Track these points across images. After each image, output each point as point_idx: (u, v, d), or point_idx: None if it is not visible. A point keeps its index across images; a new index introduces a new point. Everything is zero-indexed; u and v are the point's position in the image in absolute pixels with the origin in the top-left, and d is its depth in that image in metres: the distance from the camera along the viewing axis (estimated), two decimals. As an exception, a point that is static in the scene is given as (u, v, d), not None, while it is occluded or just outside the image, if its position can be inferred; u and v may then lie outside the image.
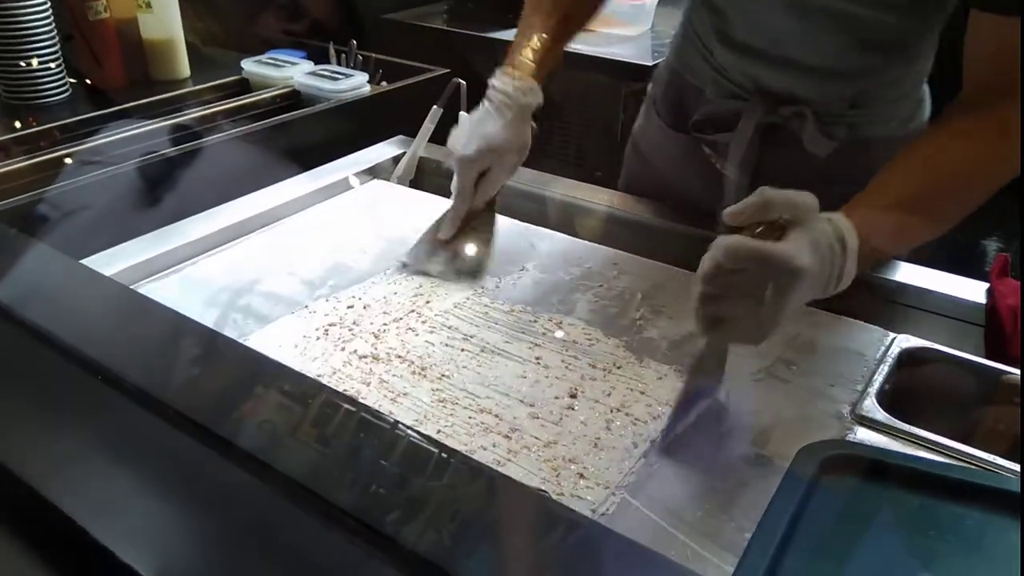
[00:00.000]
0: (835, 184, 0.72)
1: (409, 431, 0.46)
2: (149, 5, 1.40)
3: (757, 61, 0.93)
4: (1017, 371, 0.76)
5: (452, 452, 0.43)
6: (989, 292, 0.85)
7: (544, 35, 0.94)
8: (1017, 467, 0.66)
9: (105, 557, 0.34)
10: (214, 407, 0.43)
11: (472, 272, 0.93)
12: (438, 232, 0.95)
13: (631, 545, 0.40)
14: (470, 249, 0.95)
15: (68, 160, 1.14)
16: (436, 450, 0.43)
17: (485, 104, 0.92)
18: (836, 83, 0.92)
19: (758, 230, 0.64)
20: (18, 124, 1.27)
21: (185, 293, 0.89)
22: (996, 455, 0.67)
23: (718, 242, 0.63)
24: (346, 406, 0.47)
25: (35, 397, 0.46)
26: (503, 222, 1.05)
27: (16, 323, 0.49)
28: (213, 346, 0.52)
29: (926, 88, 0.98)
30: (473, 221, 0.96)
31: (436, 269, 0.93)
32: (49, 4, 1.32)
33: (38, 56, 1.32)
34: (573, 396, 0.75)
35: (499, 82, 0.91)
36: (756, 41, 0.92)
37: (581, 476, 0.66)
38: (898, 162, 0.75)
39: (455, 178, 0.92)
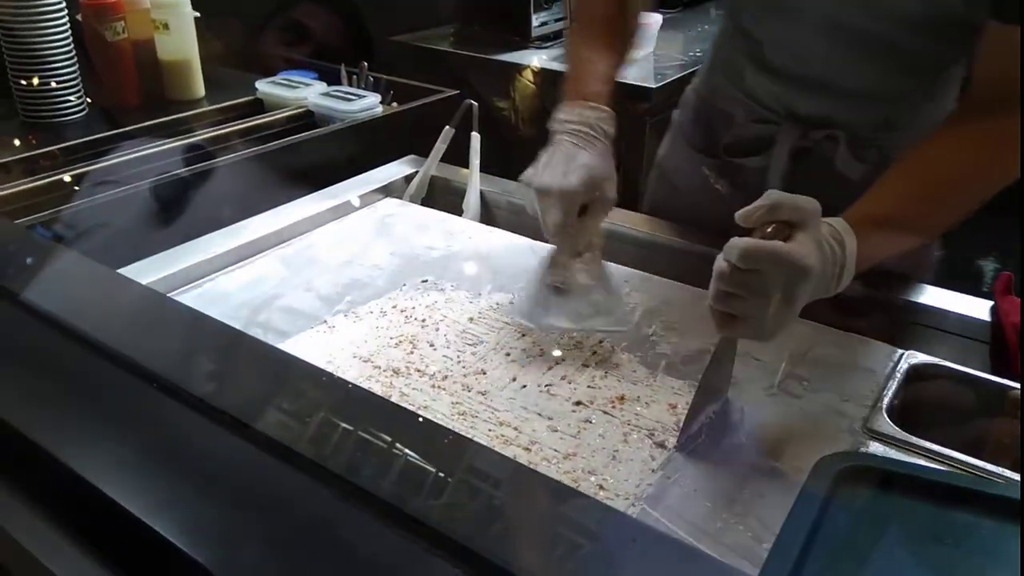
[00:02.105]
0: None
1: (461, 436, 0.47)
2: (167, 26, 1.43)
3: (790, 85, 0.95)
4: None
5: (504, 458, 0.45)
6: (993, 310, 0.87)
7: (602, 64, 0.91)
8: (1025, 480, 0.68)
9: (167, 551, 0.35)
10: (268, 412, 0.45)
11: (605, 313, 0.85)
12: (548, 279, 0.85)
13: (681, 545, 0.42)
14: (592, 291, 0.85)
15: (70, 180, 1.16)
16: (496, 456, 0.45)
17: (566, 139, 0.84)
18: (869, 107, 0.93)
19: (768, 230, 0.67)
20: (35, 142, 1.29)
21: (204, 309, 0.91)
22: (1003, 467, 0.69)
23: (732, 243, 0.66)
24: (398, 410, 0.49)
25: (96, 405, 0.48)
26: (514, 240, 1.07)
27: (71, 335, 0.51)
28: (261, 354, 0.54)
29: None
30: (578, 261, 0.86)
31: (562, 322, 0.84)
32: (68, 24, 1.34)
33: (56, 75, 1.34)
34: (590, 409, 0.76)
35: (575, 114, 0.85)
36: (790, 65, 0.94)
37: (601, 488, 0.67)
38: (897, 168, 0.79)
39: (554, 215, 0.81)
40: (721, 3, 1.05)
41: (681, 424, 0.73)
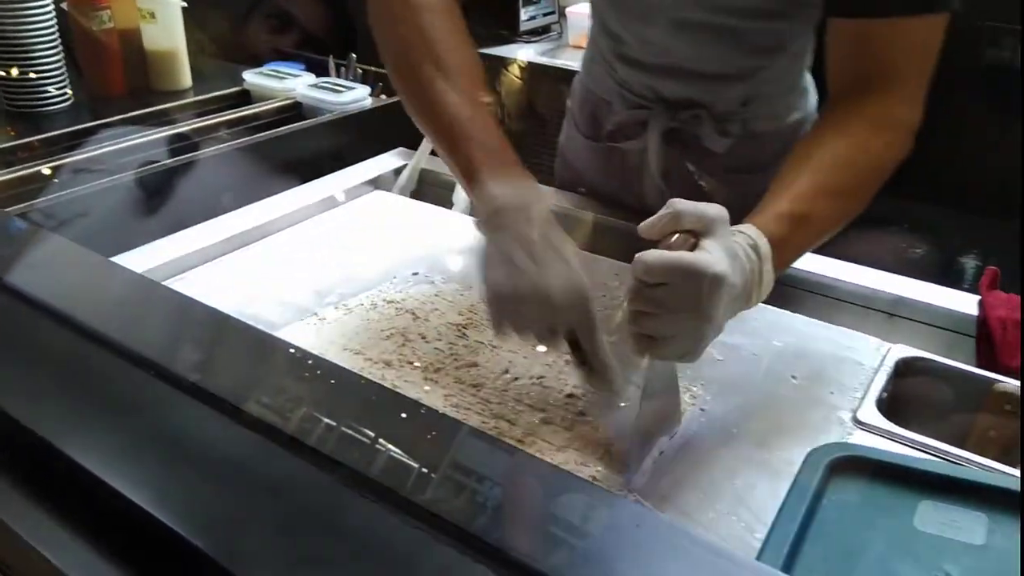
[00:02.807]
0: (736, 173, 0.84)
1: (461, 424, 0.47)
2: (153, 16, 1.41)
3: (654, 74, 1.02)
4: (1008, 380, 0.78)
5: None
6: (980, 304, 0.88)
7: (486, 112, 0.79)
8: (1010, 469, 0.69)
9: (167, 538, 0.35)
10: (269, 400, 0.45)
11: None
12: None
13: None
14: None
15: (53, 170, 1.15)
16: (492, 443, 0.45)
17: (522, 234, 0.68)
18: (726, 86, 1.00)
19: (673, 239, 0.64)
20: (18, 132, 1.27)
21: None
22: (989, 458, 0.70)
23: (637, 258, 0.62)
24: (399, 400, 0.49)
25: (93, 393, 0.47)
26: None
27: (71, 326, 0.50)
28: (259, 340, 0.54)
29: (809, 78, 1.06)
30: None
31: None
32: (53, 13, 1.33)
33: (40, 65, 1.32)
34: (583, 401, 0.77)
35: (508, 200, 0.69)
36: (650, 57, 1.01)
37: (594, 479, 0.67)
38: (789, 163, 0.79)
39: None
40: (591, 6, 1.11)
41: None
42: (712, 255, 0.62)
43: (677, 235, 0.64)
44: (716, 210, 0.65)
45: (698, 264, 0.61)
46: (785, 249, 0.71)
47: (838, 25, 0.84)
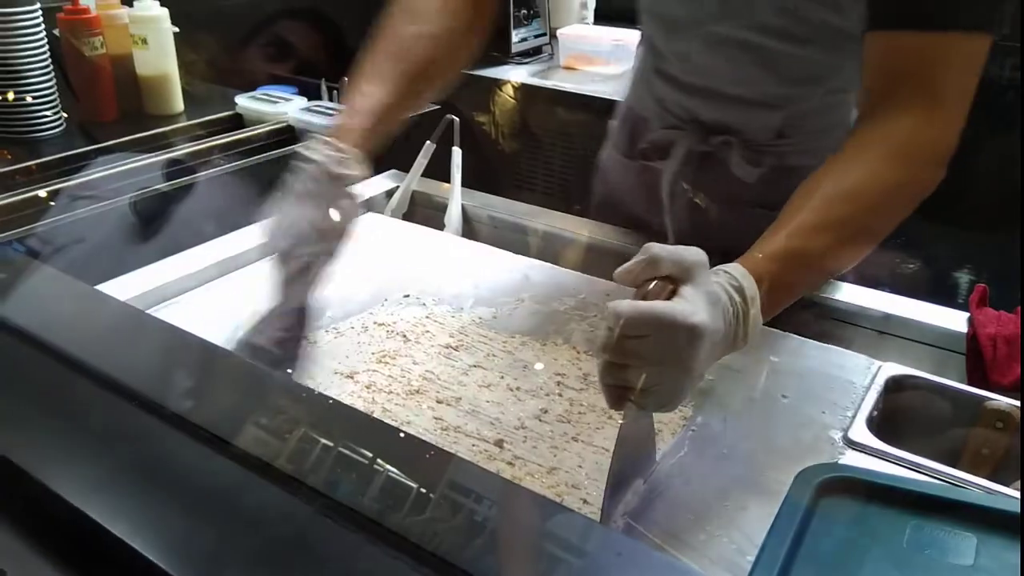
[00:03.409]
0: (766, 209, 0.74)
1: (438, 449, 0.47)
2: (145, 41, 1.42)
3: (688, 93, 1.01)
4: (999, 397, 0.78)
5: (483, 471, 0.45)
6: (969, 321, 0.88)
7: (384, 88, 0.83)
8: (1002, 488, 0.69)
9: (148, 571, 0.35)
10: (249, 429, 0.45)
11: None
12: (259, 334, 0.78)
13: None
14: (283, 353, 0.78)
15: (46, 195, 1.15)
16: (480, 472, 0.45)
17: (300, 181, 0.77)
18: (760, 113, 0.98)
19: (651, 287, 0.61)
20: (11, 158, 1.28)
21: (183, 325, 0.89)
22: (981, 477, 0.70)
23: (610, 308, 0.59)
24: (381, 426, 0.49)
25: (70, 421, 0.47)
26: (496, 254, 1.08)
27: (48, 351, 0.50)
28: (242, 370, 0.54)
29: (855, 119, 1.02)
30: (285, 323, 0.78)
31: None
32: (45, 39, 1.33)
33: (33, 90, 1.33)
34: (574, 424, 0.76)
35: (315, 153, 0.77)
36: (687, 76, 1.00)
37: (584, 502, 0.67)
38: (796, 194, 0.74)
39: (270, 273, 0.76)
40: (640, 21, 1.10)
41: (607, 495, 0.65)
42: (690, 304, 0.59)
43: (655, 282, 0.61)
44: (694, 254, 0.62)
45: (675, 315, 0.58)
46: (777, 290, 0.67)
47: (874, 40, 0.78)
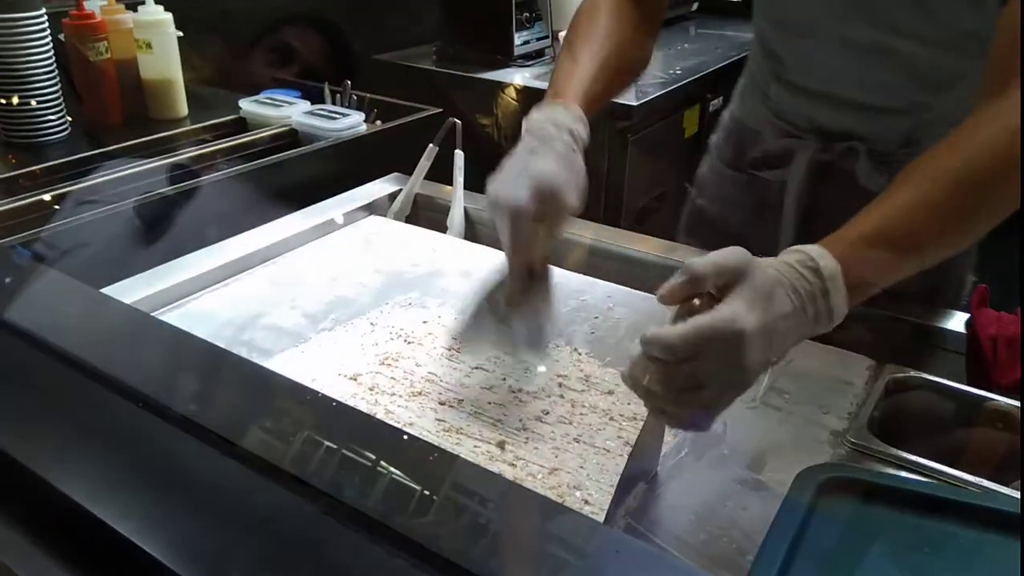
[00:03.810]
0: None
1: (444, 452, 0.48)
2: (150, 46, 1.43)
3: (811, 100, 0.96)
4: (1000, 398, 0.79)
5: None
6: (969, 322, 0.89)
7: (593, 67, 0.85)
8: (1002, 488, 0.69)
9: (155, 571, 0.35)
10: (255, 431, 0.45)
11: (533, 344, 0.79)
12: (495, 300, 0.78)
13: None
14: (529, 317, 0.78)
15: (52, 199, 1.16)
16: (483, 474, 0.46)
17: (526, 139, 0.77)
18: (889, 120, 0.94)
19: (696, 304, 0.59)
20: (16, 162, 1.29)
21: (188, 328, 0.89)
22: (982, 478, 0.70)
23: (650, 337, 0.58)
24: (384, 428, 0.49)
25: (78, 423, 0.48)
26: (499, 256, 1.08)
27: (62, 358, 0.51)
28: (248, 372, 0.54)
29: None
30: (530, 280, 0.78)
31: (491, 348, 0.80)
32: (50, 44, 1.34)
33: (38, 95, 1.34)
34: (575, 425, 0.77)
35: (541, 113, 0.79)
36: (810, 81, 0.95)
37: (586, 502, 0.68)
38: (900, 176, 0.70)
39: (503, 228, 0.74)
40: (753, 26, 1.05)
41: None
42: (730, 310, 0.57)
43: (698, 300, 0.59)
44: (734, 256, 0.60)
45: (716, 326, 0.56)
46: (865, 271, 0.64)
47: (1006, 13, 0.72)
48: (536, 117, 0.79)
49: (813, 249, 0.64)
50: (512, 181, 0.73)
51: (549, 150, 0.75)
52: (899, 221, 0.66)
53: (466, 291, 0.99)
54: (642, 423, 0.69)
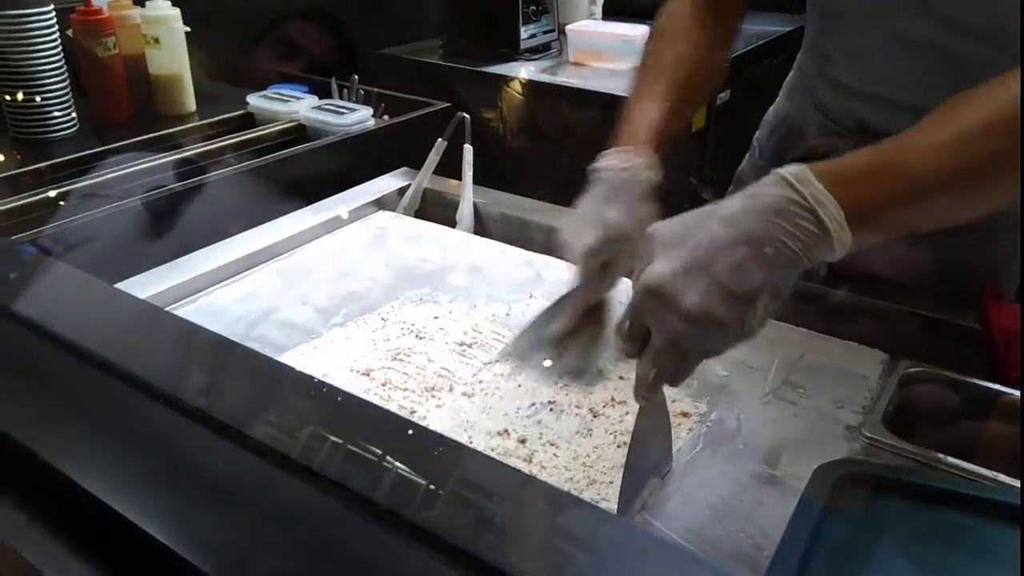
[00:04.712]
0: (937, 231, 0.66)
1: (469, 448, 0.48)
2: (157, 41, 1.43)
3: (859, 100, 0.94)
4: (1014, 392, 0.78)
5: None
6: (984, 317, 0.88)
7: (668, 103, 0.86)
8: (1016, 482, 0.69)
9: (175, 564, 0.35)
10: (273, 425, 0.45)
11: (576, 373, 0.81)
12: (549, 324, 0.80)
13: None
14: (577, 352, 0.80)
15: (61, 195, 1.16)
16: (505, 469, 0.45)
17: (600, 185, 0.80)
18: None
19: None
20: (25, 158, 1.29)
21: (199, 323, 0.91)
22: (997, 472, 0.70)
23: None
24: (402, 422, 0.49)
25: (97, 417, 0.48)
26: (508, 251, 1.08)
27: (80, 355, 0.51)
28: (264, 366, 0.54)
29: None
30: (588, 315, 0.80)
31: (539, 366, 0.81)
32: (58, 40, 1.34)
33: (46, 91, 1.34)
34: (590, 420, 0.77)
35: (609, 160, 0.81)
36: (859, 80, 0.94)
37: (601, 496, 0.68)
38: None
39: (573, 273, 0.77)
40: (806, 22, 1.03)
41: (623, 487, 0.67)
42: (650, 268, 0.61)
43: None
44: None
45: (639, 288, 0.62)
46: (865, 203, 0.59)
47: None
48: (612, 163, 0.81)
49: (788, 168, 0.62)
50: (584, 227, 0.77)
51: (621, 199, 0.78)
52: (905, 153, 0.62)
53: (477, 286, 1.00)
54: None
